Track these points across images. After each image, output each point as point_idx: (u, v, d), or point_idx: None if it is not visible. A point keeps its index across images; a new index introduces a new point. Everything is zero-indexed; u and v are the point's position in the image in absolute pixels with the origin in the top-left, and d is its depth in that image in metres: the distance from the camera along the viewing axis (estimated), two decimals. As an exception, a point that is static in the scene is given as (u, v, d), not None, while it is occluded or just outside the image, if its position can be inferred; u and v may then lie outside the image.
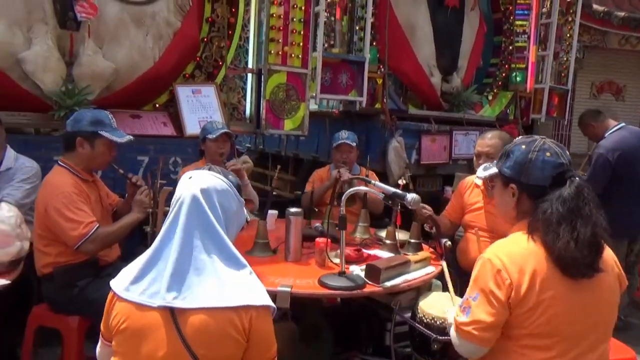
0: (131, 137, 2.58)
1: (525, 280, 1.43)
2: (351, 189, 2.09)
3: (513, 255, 1.47)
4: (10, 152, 2.90)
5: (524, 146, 1.56)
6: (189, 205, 1.41)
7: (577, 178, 1.49)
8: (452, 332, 1.59)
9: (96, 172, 2.73)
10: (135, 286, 1.38)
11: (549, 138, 1.62)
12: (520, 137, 1.65)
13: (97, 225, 2.36)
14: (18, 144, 3.06)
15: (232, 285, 1.36)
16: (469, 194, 2.97)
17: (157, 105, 3.97)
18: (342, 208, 2.03)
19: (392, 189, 2.04)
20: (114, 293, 1.41)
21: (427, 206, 2.69)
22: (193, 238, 1.38)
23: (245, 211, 1.63)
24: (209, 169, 1.52)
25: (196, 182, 1.45)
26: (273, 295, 2.00)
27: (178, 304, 1.33)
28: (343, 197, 2.04)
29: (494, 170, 1.67)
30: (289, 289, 1.98)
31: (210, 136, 3.20)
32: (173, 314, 1.33)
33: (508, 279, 1.44)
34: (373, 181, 2.06)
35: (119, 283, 1.42)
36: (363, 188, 2.08)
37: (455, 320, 1.54)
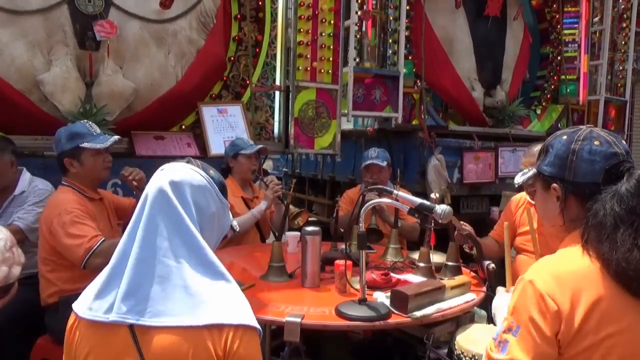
0: (115, 137, 2.42)
1: (580, 309, 1.09)
2: (371, 201, 1.80)
3: (562, 275, 1.13)
4: (25, 175, 2.81)
5: (565, 137, 1.24)
6: (154, 198, 1.16)
7: (637, 171, 1.15)
8: None
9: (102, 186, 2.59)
10: (98, 302, 1.12)
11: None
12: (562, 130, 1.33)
13: (103, 238, 2.20)
14: (38, 167, 2.97)
15: (203, 299, 1.10)
16: (521, 213, 2.61)
17: (183, 127, 3.84)
18: (361, 225, 1.75)
19: (419, 200, 1.74)
20: (76, 316, 1.15)
21: (466, 224, 2.38)
22: (158, 238, 1.13)
23: (231, 218, 1.38)
24: (187, 162, 1.27)
25: (166, 174, 1.20)
26: (281, 327, 1.74)
27: (136, 319, 1.08)
28: (362, 211, 1.75)
29: (532, 172, 1.33)
30: (298, 320, 1.68)
31: (244, 152, 3.12)
32: (132, 333, 1.08)
33: (555, 305, 1.10)
34: (395, 191, 1.76)
35: (82, 303, 1.15)
36: (385, 200, 1.79)
37: (489, 356, 1.21)
